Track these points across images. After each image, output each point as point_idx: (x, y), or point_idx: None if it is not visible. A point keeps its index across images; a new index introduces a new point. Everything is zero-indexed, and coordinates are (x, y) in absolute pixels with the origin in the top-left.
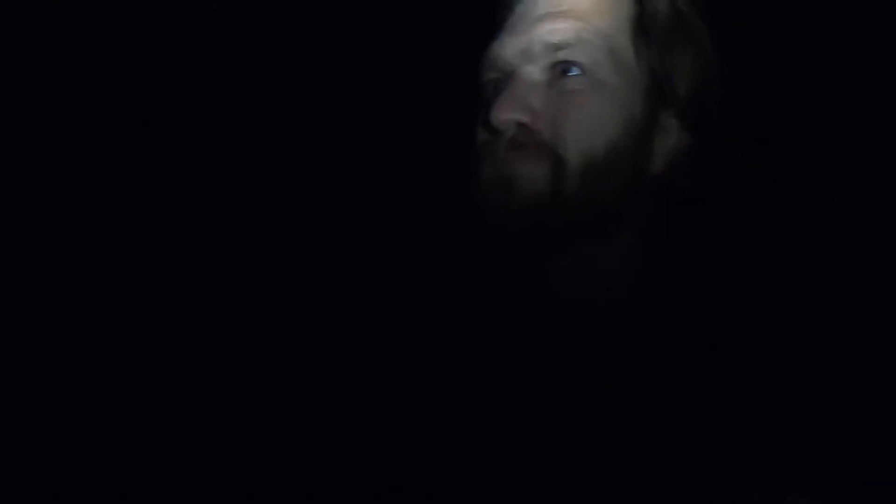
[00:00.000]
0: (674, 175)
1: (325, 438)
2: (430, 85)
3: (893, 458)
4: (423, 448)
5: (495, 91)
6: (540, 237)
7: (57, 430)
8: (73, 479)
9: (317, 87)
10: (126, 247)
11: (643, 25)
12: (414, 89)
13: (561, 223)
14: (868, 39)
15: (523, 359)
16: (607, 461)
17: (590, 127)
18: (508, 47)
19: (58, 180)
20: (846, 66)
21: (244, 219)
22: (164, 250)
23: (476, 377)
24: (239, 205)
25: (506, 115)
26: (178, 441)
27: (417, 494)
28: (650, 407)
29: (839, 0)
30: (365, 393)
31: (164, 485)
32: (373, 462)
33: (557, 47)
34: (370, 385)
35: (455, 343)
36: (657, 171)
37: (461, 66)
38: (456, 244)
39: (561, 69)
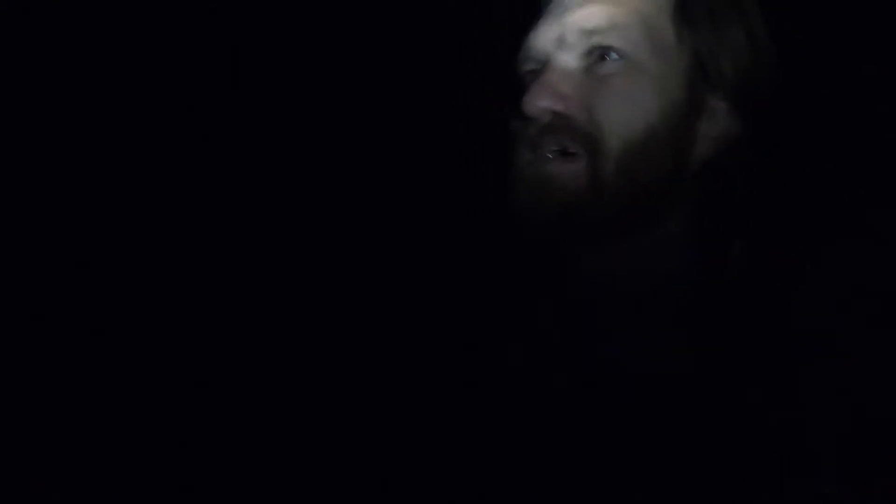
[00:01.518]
0: (724, 161)
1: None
2: (467, 78)
3: None
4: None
5: (531, 81)
6: (581, 232)
7: (57, 430)
8: (74, 479)
9: (352, 81)
10: (152, 248)
11: (686, 6)
12: (451, 83)
13: (602, 214)
14: None
15: (568, 350)
16: (648, 449)
17: (627, 110)
18: (543, 36)
19: (58, 180)
20: None
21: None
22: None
23: (519, 372)
24: (270, 202)
25: (539, 102)
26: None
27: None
28: (693, 398)
29: None
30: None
31: (165, 485)
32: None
33: (592, 33)
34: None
35: (496, 342)
36: (704, 156)
37: (498, 59)
38: (495, 243)
39: (598, 55)
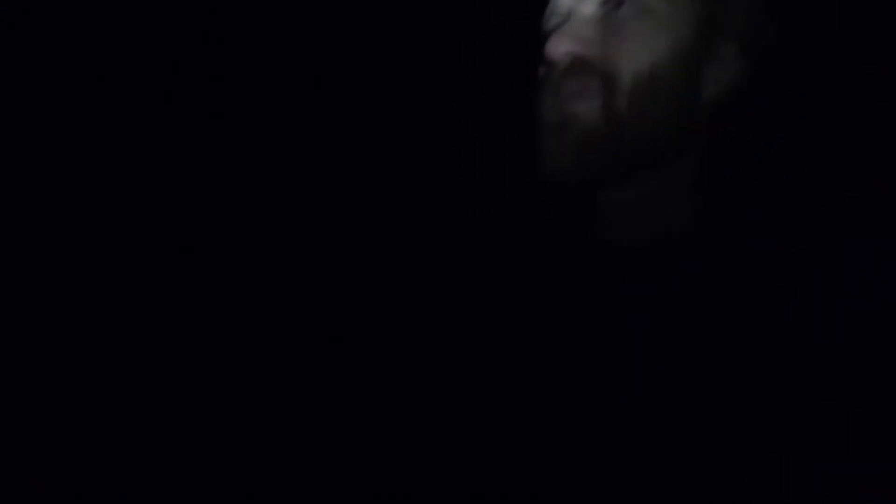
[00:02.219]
0: (734, 106)
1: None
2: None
3: None
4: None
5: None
6: (598, 169)
7: (57, 430)
8: (73, 479)
9: (376, 35)
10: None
11: None
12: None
13: (617, 150)
14: None
15: (579, 296)
16: (648, 401)
17: (636, 48)
18: None
19: (58, 181)
20: None
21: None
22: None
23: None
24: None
25: (560, 47)
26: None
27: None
28: (692, 355)
29: None
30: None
31: (165, 485)
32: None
33: None
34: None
35: (511, 282)
36: (714, 98)
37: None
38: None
39: (614, 2)
